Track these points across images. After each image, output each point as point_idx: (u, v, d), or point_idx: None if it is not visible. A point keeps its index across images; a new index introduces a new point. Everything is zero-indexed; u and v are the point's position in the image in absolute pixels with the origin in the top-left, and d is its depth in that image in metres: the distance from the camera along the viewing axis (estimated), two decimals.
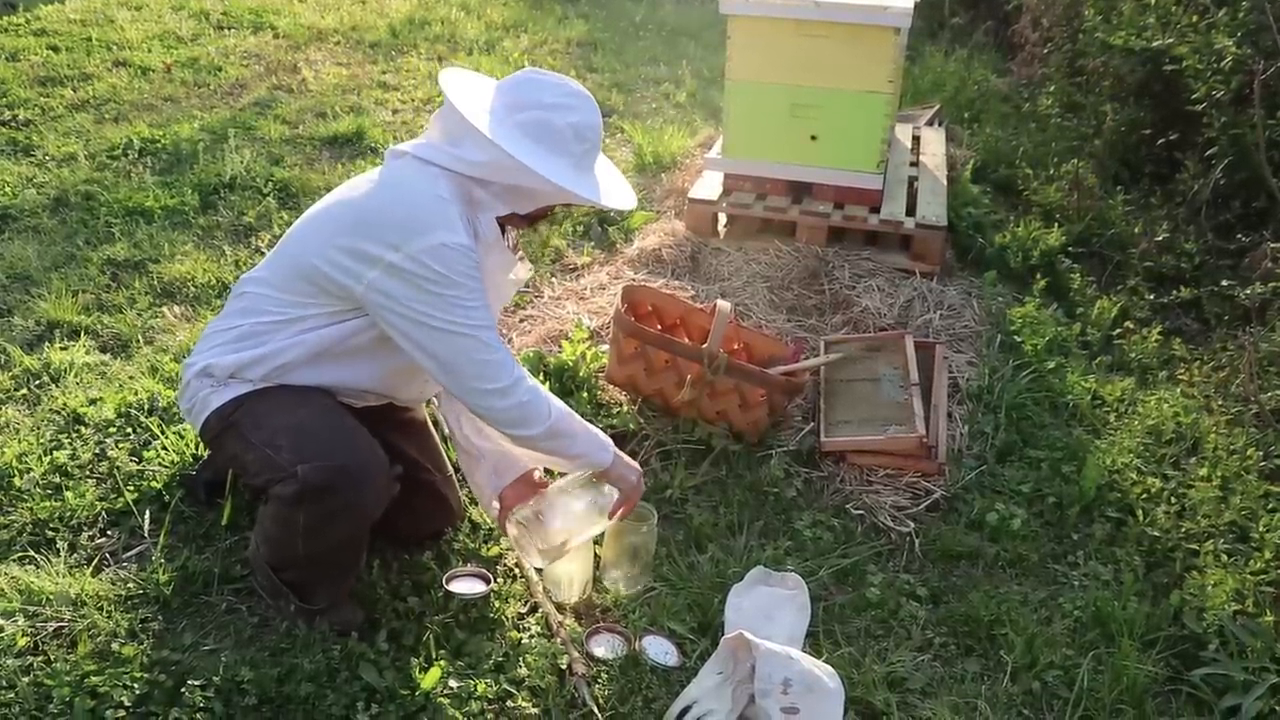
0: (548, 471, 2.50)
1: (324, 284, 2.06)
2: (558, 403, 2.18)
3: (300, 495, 2.04)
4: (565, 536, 2.26)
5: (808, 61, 3.74)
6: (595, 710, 2.11)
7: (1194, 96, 3.93)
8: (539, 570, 2.45)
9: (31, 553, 2.42)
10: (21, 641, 2.16)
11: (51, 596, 2.27)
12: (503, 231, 2.22)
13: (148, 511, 2.55)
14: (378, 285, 2.00)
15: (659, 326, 3.15)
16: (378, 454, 2.13)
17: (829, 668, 2.17)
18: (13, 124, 4.84)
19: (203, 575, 2.37)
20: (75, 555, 2.43)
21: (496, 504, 2.37)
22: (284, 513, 2.11)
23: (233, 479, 2.53)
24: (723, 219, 4.16)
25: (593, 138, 2.13)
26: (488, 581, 2.38)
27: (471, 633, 2.28)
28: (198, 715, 2.00)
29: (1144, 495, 2.83)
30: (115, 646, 2.16)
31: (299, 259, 2.11)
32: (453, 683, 2.12)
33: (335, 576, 2.26)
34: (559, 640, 2.26)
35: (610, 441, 2.29)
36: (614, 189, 2.21)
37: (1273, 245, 3.52)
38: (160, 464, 2.69)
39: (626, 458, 2.33)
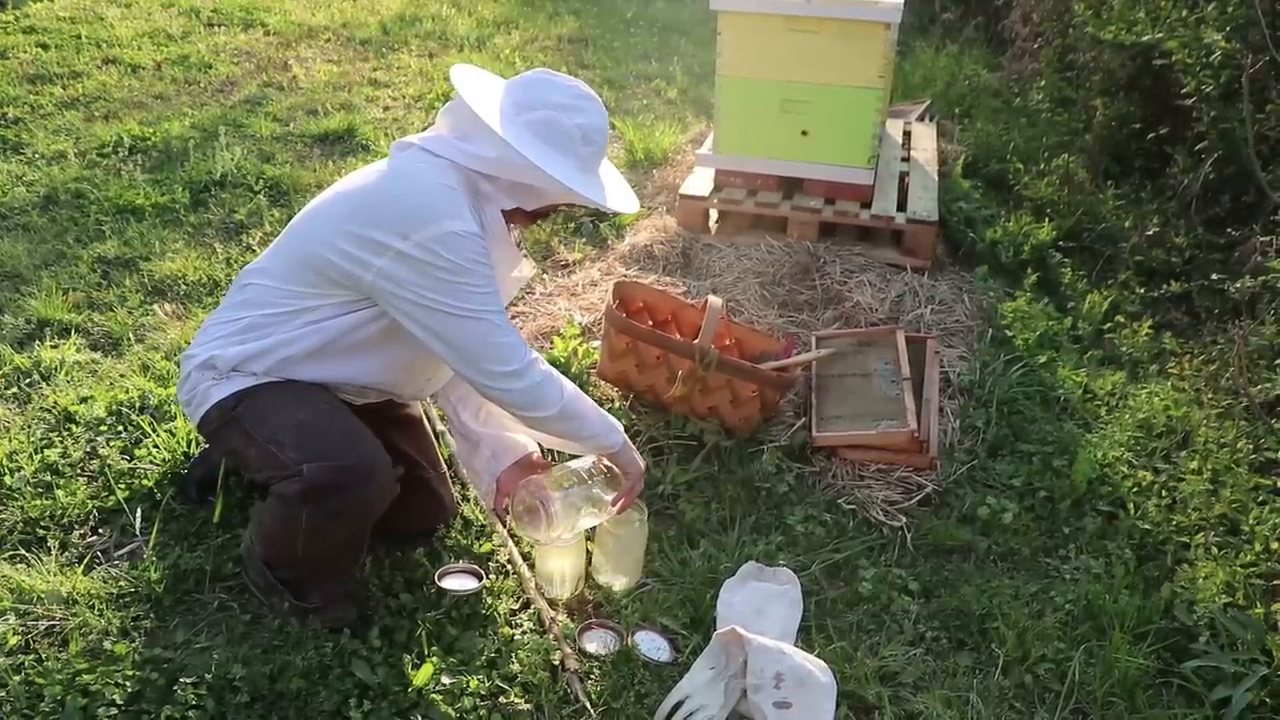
0: (546, 454, 2.50)
1: (331, 273, 2.06)
2: (569, 385, 2.19)
3: (304, 494, 2.04)
4: (567, 519, 2.27)
5: (798, 57, 3.75)
6: (588, 706, 2.11)
7: (1184, 91, 3.94)
8: (531, 566, 2.45)
9: (23, 551, 2.41)
10: (13, 640, 2.16)
11: (43, 595, 2.27)
12: (507, 228, 2.23)
13: (139, 509, 2.55)
14: (387, 273, 2.00)
15: (650, 322, 3.15)
16: (381, 454, 2.13)
17: (821, 662, 2.17)
18: (2, 122, 4.83)
19: (194, 573, 2.37)
20: (66, 553, 2.43)
21: (494, 488, 2.37)
22: (286, 511, 2.10)
23: (224, 477, 2.53)
24: (714, 215, 4.16)
25: (600, 140, 2.15)
26: (480, 578, 2.39)
27: (464, 629, 2.28)
28: (190, 713, 2.00)
29: (1135, 489, 2.83)
30: (107, 644, 2.15)
31: (305, 249, 2.10)
32: (445, 679, 2.13)
33: (332, 575, 2.26)
34: (551, 636, 2.26)
35: (619, 425, 2.30)
36: (618, 192, 2.23)
37: (1262, 239, 3.53)
38: (151, 462, 2.69)
39: (633, 445, 2.34)
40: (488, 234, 2.11)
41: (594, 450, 2.31)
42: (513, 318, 3.55)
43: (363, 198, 2.09)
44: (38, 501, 2.55)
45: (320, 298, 2.11)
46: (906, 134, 4.84)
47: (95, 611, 2.25)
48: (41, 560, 2.38)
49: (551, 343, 3.25)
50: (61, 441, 2.77)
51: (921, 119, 5.24)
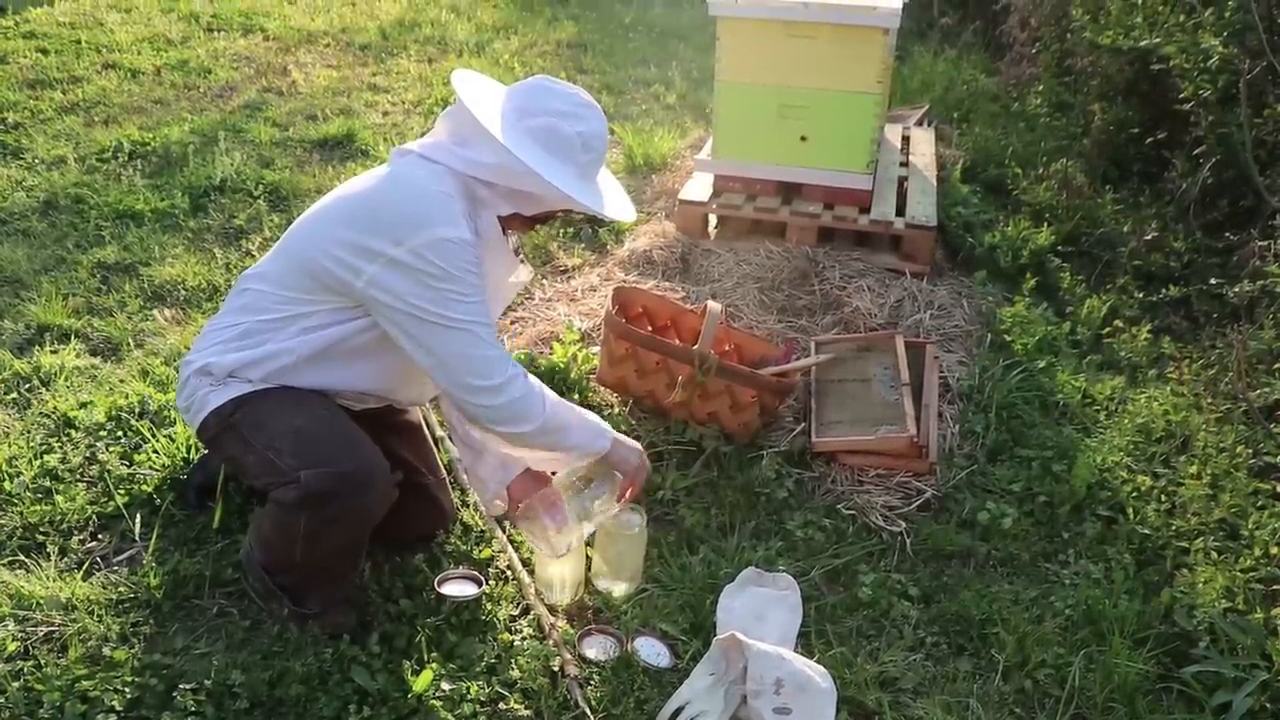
0: None
1: (325, 279, 2.06)
2: (552, 397, 2.18)
3: (302, 500, 2.04)
4: (578, 525, 2.26)
5: (797, 62, 3.75)
6: (588, 712, 2.11)
7: (1181, 96, 3.95)
8: (531, 572, 2.45)
9: (22, 557, 2.41)
10: (12, 646, 2.16)
11: (42, 601, 2.27)
12: (504, 234, 2.22)
13: (138, 515, 2.55)
14: (377, 280, 2.00)
15: (650, 328, 3.15)
16: (380, 460, 2.13)
17: (821, 668, 2.17)
18: (2, 127, 4.83)
19: (194, 579, 2.37)
20: (66, 559, 2.43)
21: (500, 499, 2.36)
22: (284, 517, 2.10)
23: (223, 482, 2.53)
24: (713, 220, 4.16)
25: (599, 148, 2.15)
26: (479, 584, 2.38)
27: (463, 635, 2.28)
28: (189, 719, 2.00)
29: (1134, 493, 2.84)
30: (106, 651, 2.15)
31: (301, 254, 2.11)
32: (445, 685, 2.13)
33: (331, 581, 2.26)
34: (551, 642, 2.26)
35: (608, 427, 2.29)
36: (616, 200, 2.24)
37: (1260, 244, 3.53)
38: (151, 467, 2.69)
39: (625, 439, 2.33)
40: (484, 239, 2.12)
41: (584, 459, 2.29)
42: (512, 322, 3.56)
43: (359, 203, 2.10)
44: (37, 507, 2.54)
45: (314, 304, 2.11)
46: (905, 139, 4.85)
47: (94, 617, 2.24)
48: (41, 566, 2.38)
49: (551, 348, 3.26)
50: (61, 447, 2.77)
51: (920, 124, 5.25)
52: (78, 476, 2.68)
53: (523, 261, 2.34)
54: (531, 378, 2.15)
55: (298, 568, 2.20)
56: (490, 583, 2.43)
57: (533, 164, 2.01)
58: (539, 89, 2.12)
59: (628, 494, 2.32)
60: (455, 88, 2.08)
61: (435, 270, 1.98)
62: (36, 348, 3.22)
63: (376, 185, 2.11)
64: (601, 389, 3.10)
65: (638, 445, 2.35)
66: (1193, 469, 2.89)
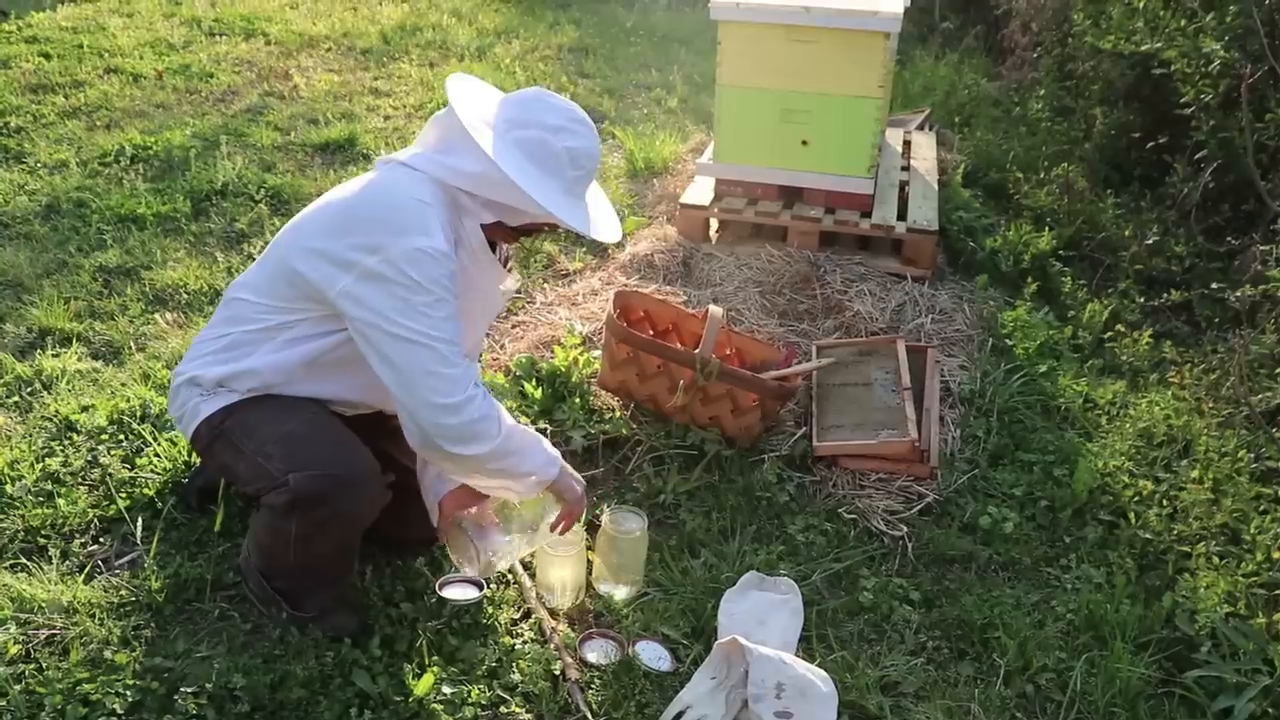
0: None
1: (304, 287, 2.06)
2: (508, 422, 2.11)
3: (292, 504, 2.04)
4: (506, 547, 2.25)
5: (798, 66, 3.75)
6: (589, 716, 2.11)
7: (1183, 100, 3.95)
8: (532, 575, 2.45)
9: (23, 560, 2.41)
10: (13, 649, 2.15)
11: (44, 604, 2.27)
12: (493, 247, 2.22)
13: (140, 519, 2.54)
14: (350, 291, 1.98)
15: (651, 332, 3.15)
16: (370, 462, 2.13)
17: (822, 672, 2.17)
18: (4, 131, 4.84)
19: (195, 582, 2.37)
20: (67, 562, 2.43)
21: (437, 509, 2.33)
22: (276, 521, 2.11)
23: (225, 486, 2.53)
24: (714, 224, 4.16)
25: (588, 165, 2.12)
26: (481, 587, 2.38)
27: (465, 639, 2.27)
28: None
29: (1136, 498, 2.83)
30: (107, 654, 2.15)
31: (282, 262, 2.11)
32: (446, 689, 2.12)
33: (326, 584, 2.26)
34: (552, 646, 2.26)
35: (557, 454, 2.23)
36: (601, 219, 2.21)
37: (1262, 248, 3.53)
38: (152, 471, 2.69)
39: (571, 470, 2.28)
40: (465, 247, 2.11)
41: (533, 489, 2.22)
42: (513, 326, 3.56)
43: (336, 212, 2.10)
44: (39, 510, 2.54)
45: (294, 313, 2.11)
46: (906, 143, 4.85)
47: (96, 620, 2.25)
48: (42, 569, 2.38)
49: (552, 352, 3.25)
50: (63, 450, 2.77)
51: (921, 128, 5.25)
52: (79, 480, 2.68)
53: (510, 270, 2.33)
54: (491, 398, 2.08)
55: (293, 571, 2.21)
56: (491, 586, 2.43)
57: (514, 175, 1.99)
58: (534, 101, 2.11)
59: (562, 525, 2.29)
60: (449, 93, 2.06)
61: (406, 281, 1.95)
62: (38, 351, 3.22)
63: (356, 194, 2.11)
64: (603, 393, 3.10)
65: (581, 479, 2.31)
66: (1194, 473, 2.89)
